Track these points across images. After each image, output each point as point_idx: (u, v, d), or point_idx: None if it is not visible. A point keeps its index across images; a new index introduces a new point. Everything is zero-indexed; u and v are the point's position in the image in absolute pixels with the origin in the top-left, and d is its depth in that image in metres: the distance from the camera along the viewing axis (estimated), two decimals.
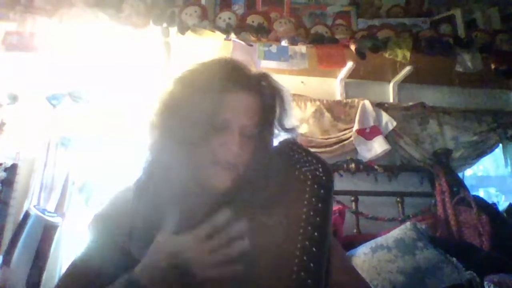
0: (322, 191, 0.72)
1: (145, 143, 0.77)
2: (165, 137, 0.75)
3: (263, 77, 0.80)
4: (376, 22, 2.40)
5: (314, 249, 0.66)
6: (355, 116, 2.14)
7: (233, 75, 0.76)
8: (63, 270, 0.77)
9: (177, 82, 0.79)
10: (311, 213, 0.69)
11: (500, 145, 2.33)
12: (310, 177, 0.74)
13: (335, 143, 2.12)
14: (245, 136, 0.75)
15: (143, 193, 0.75)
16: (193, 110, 0.72)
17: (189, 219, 0.72)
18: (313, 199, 0.71)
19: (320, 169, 0.75)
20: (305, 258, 0.65)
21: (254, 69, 0.81)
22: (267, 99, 0.79)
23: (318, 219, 0.69)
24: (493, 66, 2.18)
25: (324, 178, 0.74)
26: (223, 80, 0.74)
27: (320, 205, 0.71)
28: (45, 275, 1.66)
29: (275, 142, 0.82)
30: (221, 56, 0.84)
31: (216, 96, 0.73)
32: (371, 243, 1.73)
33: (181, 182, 0.72)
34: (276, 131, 0.81)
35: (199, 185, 0.74)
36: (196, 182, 0.74)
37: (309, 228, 0.68)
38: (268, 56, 1.95)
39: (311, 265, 0.64)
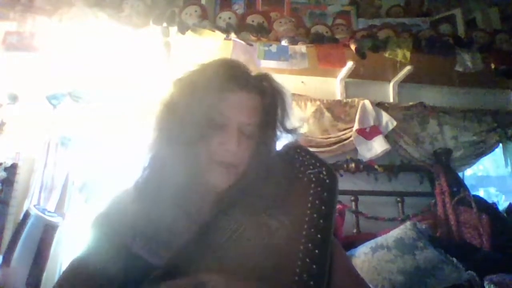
0: (325, 193, 0.72)
1: (146, 143, 0.77)
2: (165, 137, 0.74)
3: (264, 78, 0.80)
4: (376, 22, 2.40)
5: (316, 251, 0.66)
6: (355, 116, 2.13)
7: (233, 75, 0.75)
8: (63, 269, 0.77)
9: (177, 83, 0.79)
10: (315, 215, 0.70)
11: (500, 145, 2.33)
12: (314, 179, 0.74)
13: (335, 143, 2.12)
14: (244, 135, 0.74)
15: (145, 193, 0.75)
16: (192, 110, 0.72)
17: (192, 218, 0.72)
18: (317, 202, 0.71)
19: (324, 172, 0.75)
20: (307, 260, 0.65)
21: (255, 70, 0.80)
22: (268, 100, 0.78)
23: (321, 221, 0.69)
24: (493, 66, 2.18)
25: (327, 181, 0.74)
26: (223, 79, 0.73)
27: (323, 207, 0.71)
28: (45, 275, 1.66)
29: (278, 145, 0.82)
30: (222, 57, 0.83)
31: (215, 96, 0.72)
32: (371, 243, 1.73)
33: (181, 182, 0.72)
34: (278, 133, 0.80)
35: (200, 184, 0.74)
36: (196, 181, 0.74)
37: (312, 230, 0.68)
38: (268, 55, 1.95)
39: (314, 267, 0.65)
